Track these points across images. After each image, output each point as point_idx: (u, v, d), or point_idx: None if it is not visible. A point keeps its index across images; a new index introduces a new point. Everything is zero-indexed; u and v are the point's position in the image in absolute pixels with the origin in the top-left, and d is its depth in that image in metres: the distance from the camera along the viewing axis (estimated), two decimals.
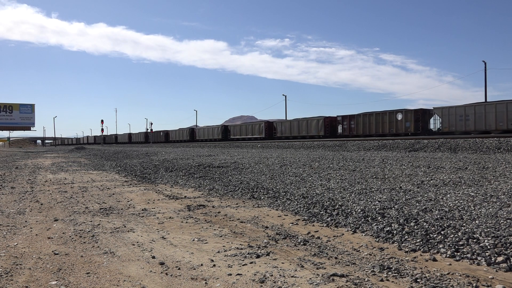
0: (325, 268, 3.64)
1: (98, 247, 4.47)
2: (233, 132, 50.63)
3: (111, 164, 19.22)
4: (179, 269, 3.73)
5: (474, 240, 4.04)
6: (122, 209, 6.94)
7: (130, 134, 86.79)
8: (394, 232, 4.64)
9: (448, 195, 6.10)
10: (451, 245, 4.04)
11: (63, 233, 5.14)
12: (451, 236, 4.23)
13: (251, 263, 3.85)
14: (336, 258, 3.96)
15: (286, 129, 42.29)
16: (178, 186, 10.07)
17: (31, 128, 66.38)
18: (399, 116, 32.05)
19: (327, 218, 5.62)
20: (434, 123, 31.88)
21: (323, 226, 5.34)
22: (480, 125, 27.15)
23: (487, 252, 3.76)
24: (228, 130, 52.02)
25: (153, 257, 4.07)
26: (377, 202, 5.99)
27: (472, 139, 18.63)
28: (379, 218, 5.19)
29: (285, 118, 54.54)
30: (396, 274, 3.45)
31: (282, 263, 3.84)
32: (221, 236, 4.94)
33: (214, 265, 3.80)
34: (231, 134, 50.92)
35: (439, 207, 5.32)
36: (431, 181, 7.63)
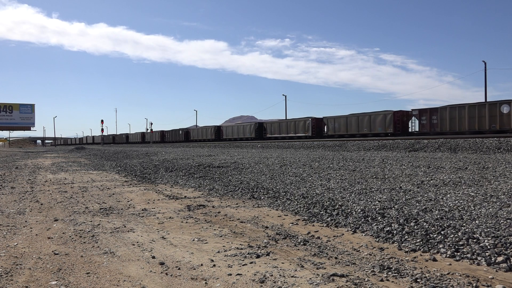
0: (325, 268, 3.64)
1: (98, 247, 4.47)
2: (270, 130, 44.10)
3: (111, 164, 19.22)
4: (179, 269, 3.73)
5: (474, 240, 4.03)
6: (122, 209, 6.94)
7: (143, 133, 79.06)
8: (394, 232, 4.64)
9: (448, 195, 6.10)
10: (451, 245, 4.04)
11: (63, 233, 5.14)
12: (451, 236, 4.23)
13: (251, 263, 3.85)
14: (336, 258, 3.96)
15: (341, 126, 35.74)
16: (178, 186, 10.07)
17: (31, 128, 66.38)
18: (505, 109, 24.96)
19: (327, 218, 5.62)
20: None
21: (323, 226, 5.34)
22: None
23: (487, 252, 3.76)
24: (263, 128, 45.67)
25: (153, 257, 4.07)
26: (377, 202, 5.99)
27: (472, 139, 18.64)
28: (379, 218, 5.19)
29: (285, 118, 53.93)
30: (396, 274, 3.45)
31: (282, 263, 3.84)
32: (221, 236, 4.94)
33: (214, 265, 3.80)
34: (267, 132, 44.63)
35: (439, 207, 5.32)
36: (431, 181, 7.64)
